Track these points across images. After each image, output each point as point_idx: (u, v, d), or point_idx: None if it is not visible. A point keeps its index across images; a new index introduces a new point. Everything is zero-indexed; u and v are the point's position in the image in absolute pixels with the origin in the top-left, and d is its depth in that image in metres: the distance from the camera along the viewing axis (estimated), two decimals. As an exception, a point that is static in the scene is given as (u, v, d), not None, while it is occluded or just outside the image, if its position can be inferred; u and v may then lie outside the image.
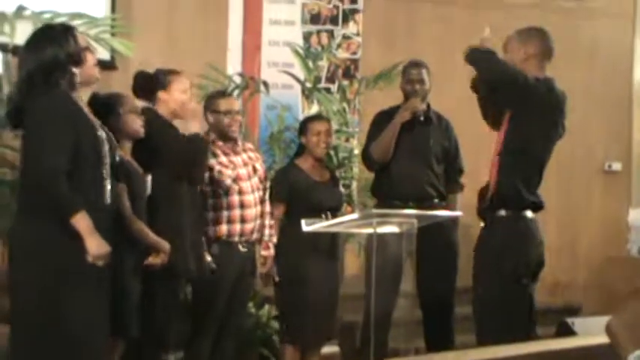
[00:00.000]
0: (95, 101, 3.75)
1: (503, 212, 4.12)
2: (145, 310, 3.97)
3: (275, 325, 5.27)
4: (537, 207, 4.17)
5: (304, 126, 4.95)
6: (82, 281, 3.37)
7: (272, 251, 4.75)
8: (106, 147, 3.49)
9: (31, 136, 3.38)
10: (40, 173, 3.32)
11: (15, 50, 4.71)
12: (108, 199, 3.48)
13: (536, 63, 4.18)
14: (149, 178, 4.12)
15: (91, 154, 3.42)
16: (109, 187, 3.49)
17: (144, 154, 4.11)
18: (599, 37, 7.78)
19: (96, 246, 3.33)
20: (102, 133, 3.50)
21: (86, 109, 3.52)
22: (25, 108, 3.39)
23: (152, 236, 4.00)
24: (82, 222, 3.31)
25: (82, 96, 3.58)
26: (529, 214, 4.15)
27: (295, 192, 4.79)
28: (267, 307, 5.43)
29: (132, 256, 3.91)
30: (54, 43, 3.42)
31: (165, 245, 4.04)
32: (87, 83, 3.57)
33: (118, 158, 3.65)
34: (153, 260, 4.02)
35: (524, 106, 4.07)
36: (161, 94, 4.33)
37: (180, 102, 4.33)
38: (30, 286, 3.35)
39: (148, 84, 4.35)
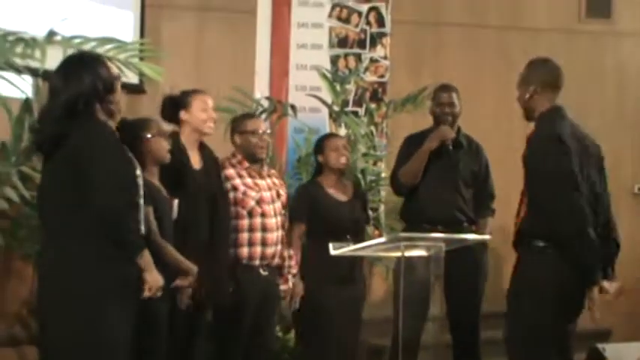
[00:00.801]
0: (122, 127, 3.77)
1: (540, 243, 3.98)
2: (171, 335, 3.98)
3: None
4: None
5: (320, 144, 4.96)
6: (111, 305, 3.38)
7: (291, 284, 4.75)
8: (139, 175, 3.52)
9: (92, 170, 3.33)
10: (109, 211, 3.32)
11: (46, 75, 4.78)
12: (142, 229, 3.54)
13: (542, 97, 4.04)
14: (176, 202, 4.14)
15: (134, 185, 3.46)
16: (142, 216, 3.54)
17: (170, 178, 4.13)
18: (627, 59, 7.74)
19: (154, 280, 3.43)
20: (138, 168, 3.54)
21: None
22: (65, 137, 3.37)
23: (180, 259, 4.01)
24: (145, 258, 3.42)
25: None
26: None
27: (316, 211, 4.78)
28: (293, 331, 5.42)
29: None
30: (90, 71, 3.43)
31: (193, 268, 4.06)
32: (118, 114, 3.60)
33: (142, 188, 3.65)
34: (181, 282, 4.03)
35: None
36: (183, 114, 4.37)
37: (200, 120, 4.35)
38: (59, 310, 3.37)
39: (174, 107, 4.39)
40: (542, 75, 4.10)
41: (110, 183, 3.31)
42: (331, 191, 4.88)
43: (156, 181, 4.06)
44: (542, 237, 3.91)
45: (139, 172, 3.56)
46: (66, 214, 3.38)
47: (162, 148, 4.07)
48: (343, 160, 4.89)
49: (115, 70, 3.59)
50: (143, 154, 3.95)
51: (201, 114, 4.38)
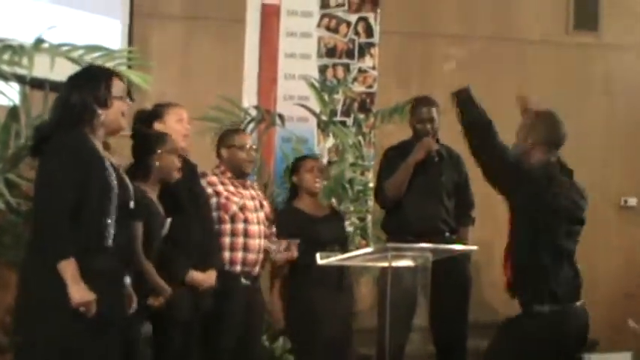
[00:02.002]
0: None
1: (541, 307, 3.87)
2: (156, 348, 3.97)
3: (290, 358, 5.24)
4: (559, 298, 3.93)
5: (296, 165, 5.00)
6: (94, 314, 3.37)
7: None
8: (115, 190, 3.49)
9: (41, 173, 3.44)
10: (40, 212, 3.38)
11: (33, 83, 4.78)
12: (109, 241, 3.48)
13: (541, 150, 3.97)
14: (168, 220, 4.12)
15: (98, 197, 3.44)
16: (112, 230, 3.48)
17: (167, 197, 4.12)
18: (615, 71, 7.78)
19: (78, 295, 3.33)
20: (112, 176, 3.51)
21: (102, 151, 3.53)
22: (45, 140, 3.46)
23: (156, 279, 4.00)
24: (67, 269, 3.33)
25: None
26: (567, 305, 3.95)
27: (297, 233, 4.79)
28: (281, 340, 5.41)
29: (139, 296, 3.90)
30: (86, 84, 3.52)
31: (167, 290, 4.04)
32: (110, 130, 3.58)
33: (132, 202, 3.63)
34: (152, 302, 4.01)
35: (522, 195, 3.87)
36: (157, 125, 4.36)
37: (175, 131, 4.34)
38: (39, 319, 3.36)
39: (145, 120, 4.38)
40: (549, 130, 4.00)
41: (47, 187, 3.36)
42: (308, 211, 4.90)
43: (154, 197, 4.05)
44: None
45: (114, 181, 3.51)
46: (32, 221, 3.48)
47: (172, 164, 4.06)
48: (316, 182, 4.91)
49: (120, 88, 3.59)
50: (148, 169, 3.93)
51: (176, 124, 4.37)
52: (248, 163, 4.67)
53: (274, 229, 4.80)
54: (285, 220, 4.91)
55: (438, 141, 5.11)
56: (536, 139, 3.99)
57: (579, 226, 4.00)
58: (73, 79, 3.59)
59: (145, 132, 3.91)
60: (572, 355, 4.01)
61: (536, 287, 3.86)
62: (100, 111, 3.49)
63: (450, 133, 5.20)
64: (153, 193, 4.02)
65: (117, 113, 3.56)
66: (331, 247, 4.76)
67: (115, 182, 3.50)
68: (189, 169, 4.46)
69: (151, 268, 3.96)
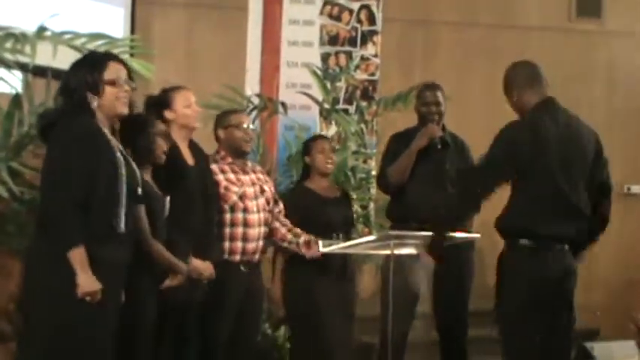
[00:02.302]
0: (122, 121, 3.77)
1: (524, 241, 4.00)
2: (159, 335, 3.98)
3: (291, 346, 5.26)
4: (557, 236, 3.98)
5: (308, 146, 5.00)
6: (96, 303, 3.39)
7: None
8: (124, 173, 3.50)
9: (48, 160, 3.46)
10: (48, 199, 3.40)
11: (35, 71, 4.79)
12: (122, 227, 3.50)
13: (526, 95, 4.04)
14: (167, 199, 4.14)
15: (107, 184, 3.45)
16: (123, 215, 3.50)
17: (165, 176, 4.12)
18: (618, 58, 7.77)
19: (86, 284, 3.35)
20: (121, 161, 3.52)
21: (109, 135, 3.55)
22: (51, 125, 3.49)
23: (170, 258, 4.01)
24: (76, 257, 3.35)
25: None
26: (555, 245, 3.98)
27: (306, 213, 4.79)
28: (283, 328, 5.42)
29: (149, 278, 3.91)
30: (81, 69, 3.55)
31: (183, 267, 4.05)
32: (109, 115, 3.59)
33: (140, 185, 3.65)
34: (170, 283, 4.02)
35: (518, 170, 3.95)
36: (167, 114, 4.35)
37: (186, 116, 4.35)
38: (43, 305, 3.38)
39: (157, 106, 4.38)
40: (518, 73, 4.12)
41: (55, 177, 3.38)
42: (319, 191, 4.90)
43: (149, 179, 4.06)
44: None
45: (122, 165, 3.54)
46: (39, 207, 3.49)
47: (160, 147, 4.06)
48: (329, 163, 4.91)
49: (116, 73, 3.59)
50: (143, 150, 3.94)
51: (186, 110, 4.37)
52: (246, 141, 4.65)
53: (281, 207, 4.79)
54: (296, 199, 4.90)
55: (443, 127, 5.10)
56: (516, 91, 4.06)
57: (579, 167, 4.00)
58: (73, 65, 3.63)
59: (131, 115, 3.91)
60: (567, 298, 4.01)
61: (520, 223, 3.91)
62: (91, 96, 3.51)
63: (455, 121, 5.22)
64: (146, 175, 4.02)
65: (110, 98, 3.56)
66: (339, 230, 4.76)
67: (123, 169, 3.51)
68: (203, 158, 4.46)
69: (162, 247, 3.97)
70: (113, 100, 3.56)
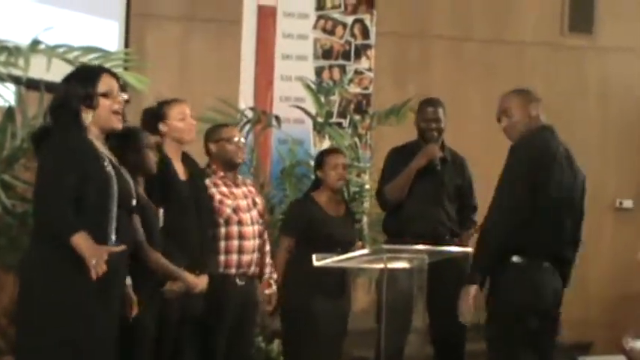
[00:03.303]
0: (113, 135, 3.77)
1: (514, 259, 4.00)
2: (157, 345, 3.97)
3: (285, 359, 5.24)
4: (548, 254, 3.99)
5: (321, 159, 4.97)
6: (92, 310, 3.38)
7: (274, 288, 4.75)
8: (115, 185, 3.50)
9: (41, 173, 3.45)
10: (41, 204, 3.40)
11: (29, 84, 4.78)
12: (113, 238, 3.49)
13: (524, 114, 4.05)
14: (161, 211, 4.13)
15: (97, 194, 3.45)
16: (113, 226, 3.49)
17: (156, 189, 4.12)
18: (609, 73, 7.81)
19: (92, 256, 3.33)
20: (111, 171, 3.52)
21: (101, 149, 3.55)
22: (43, 138, 3.49)
23: (169, 266, 4.00)
24: (80, 240, 3.33)
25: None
26: (541, 262, 3.97)
27: (311, 226, 4.79)
28: (276, 341, 5.41)
29: (146, 290, 3.90)
30: (74, 83, 3.53)
31: (182, 274, 4.05)
32: (103, 128, 3.59)
33: (134, 200, 3.64)
34: (170, 286, 4.01)
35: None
36: (161, 127, 4.35)
37: (179, 129, 4.36)
38: (39, 316, 3.36)
39: (154, 118, 4.39)
40: (521, 99, 4.08)
41: (45, 185, 3.39)
42: (325, 207, 4.89)
43: (141, 190, 4.06)
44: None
45: (114, 183, 3.53)
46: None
47: (150, 159, 4.07)
48: (340, 180, 4.91)
49: (109, 86, 3.59)
50: (134, 164, 3.94)
51: (179, 123, 4.37)
52: (237, 153, 4.66)
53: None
54: (301, 209, 4.90)
55: (443, 143, 5.10)
56: (517, 110, 4.05)
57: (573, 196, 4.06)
58: (65, 79, 3.61)
59: (121, 129, 3.92)
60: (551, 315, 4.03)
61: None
62: (86, 111, 3.50)
63: (449, 135, 5.22)
64: (139, 187, 4.02)
65: (106, 111, 3.55)
66: (339, 247, 4.75)
67: (114, 181, 3.51)
68: (197, 172, 4.46)
69: (160, 256, 3.96)
70: (108, 113, 3.56)
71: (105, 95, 3.55)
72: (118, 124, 3.60)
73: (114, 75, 3.69)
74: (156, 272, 3.94)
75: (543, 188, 3.92)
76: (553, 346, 4.09)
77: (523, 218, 3.90)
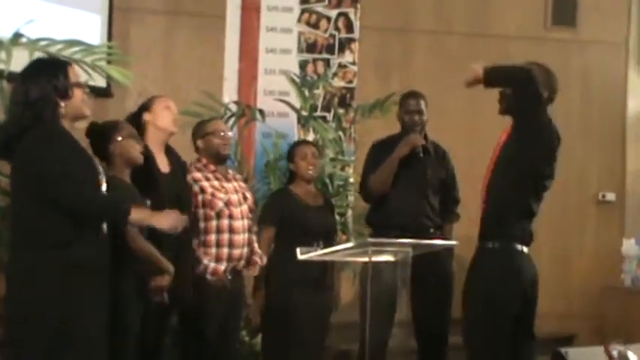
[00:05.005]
0: (92, 130, 3.77)
1: (490, 244, 4.07)
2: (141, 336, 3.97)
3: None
4: (525, 240, 4.10)
5: (290, 152, 5.00)
6: (81, 308, 3.39)
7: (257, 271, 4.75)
8: (103, 177, 3.52)
9: (39, 169, 3.41)
10: (77, 200, 3.39)
11: (10, 78, 4.75)
12: (105, 230, 3.51)
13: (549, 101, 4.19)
14: (148, 202, 4.13)
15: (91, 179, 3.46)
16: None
17: (138, 181, 4.12)
18: (592, 67, 7.83)
19: (165, 222, 3.45)
20: (97, 165, 3.53)
21: (82, 142, 3.55)
22: (15, 139, 3.44)
23: (160, 258, 4.00)
24: (138, 213, 3.44)
25: (78, 128, 3.64)
26: (520, 247, 4.09)
27: (286, 216, 4.81)
28: (260, 335, 5.40)
29: (132, 281, 3.90)
30: (46, 76, 3.50)
31: (170, 266, 4.05)
32: (75, 117, 3.59)
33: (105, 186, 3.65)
34: (159, 282, 4.01)
35: (529, 119, 4.04)
36: (145, 116, 4.39)
37: (163, 117, 4.38)
38: (28, 314, 3.37)
39: (137, 112, 4.41)
40: (550, 82, 4.25)
41: (65, 178, 3.37)
42: (302, 197, 4.90)
43: (128, 181, 4.06)
44: None
45: (101, 175, 3.55)
46: (21, 216, 3.45)
47: (134, 149, 4.06)
48: (311, 171, 4.92)
49: (76, 76, 3.59)
50: (114, 156, 3.94)
51: (164, 112, 4.40)
52: (224, 145, 4.67)
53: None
54: (277, 201, 4.91)
55: (425, 136, 5.12)
56: (549, 89, 4.20)
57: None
58: (27, 73, 3.56)
59: (100, 123, 3.91)
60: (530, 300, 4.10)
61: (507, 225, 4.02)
62: (62, 102, 3.49)
63: (432, 128, 5.24)
64: (126, 178, 4.02)
65: (79, 101, 3.56)
66: (319, 238, 4.76)
67: (101, 171, 3.52)
68: (180, 166, 4.47)
69: (149, 244, 3.96)
70: (80, 102, 3.56)
71: (78, 85, 3.56)
72: (88, 111, 3.61)
73: (74, 65, 3.71)
74: (144, 261, 3.92)
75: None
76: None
77: None
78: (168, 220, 3.44)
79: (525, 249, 4.10)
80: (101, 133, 3.92)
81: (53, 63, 3.73)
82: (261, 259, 4.75)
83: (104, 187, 3.56)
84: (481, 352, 4.03)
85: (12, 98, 3.55)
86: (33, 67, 3.61)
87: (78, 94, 3.56)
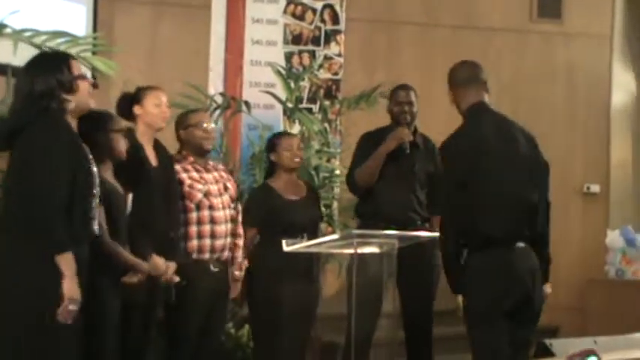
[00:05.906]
0: (84, 118, 3.74)
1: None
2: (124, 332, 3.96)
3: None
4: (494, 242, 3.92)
5: (273, 143, 4.94)
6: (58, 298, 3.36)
7: (242, 273, 4.75)
8: (97, 179, 3.51)
9: (31, 166, 3.38)
10: (37, 207, 3.33)
11: (14, 72, 4.73)
12: (94, 231, 3.52)
13: (462, 94, 3.98)
14: (130, 197, 4.11)
15: (83, 187, 3.44)
16: (96, 219, 3.53)
17: (124, 174, 4.10)
18: (577, 60, 7.86)
19: (72, 291, 3.34)
20: (93, 164, 3.52)
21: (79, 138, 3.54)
22: (18, 132, 3.41)
23: (128, 258, 3.98)
24: (67, 262, 3.33)
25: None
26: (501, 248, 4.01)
27: (271, 214, 4.78)
28: (247, 327, 5.41)
29: (109, 277, 3.88)
30: (47, 71, 3.47)
31: (143, 266, 4.03)
32: (81, 111, 3.58)
33: (97, 185, 3.64)
34: (128, 279, 4.00)
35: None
36: (136, 109, 4.37)
37: (153, 114, 4.36)
38: (15, 307, 3.35)
39: (129, 103, 4.39)
40: (455, 74, 4.05)
41: (41, 180, 3.33)
42: (283, 192, 4.87)
43: (110, 177, 4.03)
44: None
45: (94, 168, 3.54)
46: (12, 209, 3.41)
47: (121, 144, 4.05)
48: (297, 159, 4.89)
49: (79, 69, 3.57)
50: (102, 147, 3.92)
51: (154, 109, 4.38)
52: (206, 139, 4.66)
53: (239, 208, 4.79)
54: (259, 198, 4.88)
55: (415, 129, 5.12)
56: (452, 91, 4.03)
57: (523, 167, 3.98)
58: (32, 67, 3.53)
59: (92, 112, 3.88)
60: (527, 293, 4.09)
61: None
62: (67, 97, 3.47)
63: (419, 120, 5.24)
64: (107, 172, 4.00)
65: (85, 94, 3.54)
66: (303, 230, 4.74)
67: (95, 171, 3.51)
68: (167, 159, 4.45)
69: (120, 249, 3.94)
70: (86, 95, 3.55)
71: (83, 77, 3.54)
72: (92, 103, 3.60)
73: (76, 58, 3.68)
74: (116, 264, 3.93)
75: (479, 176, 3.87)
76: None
77: None
78: (71, 294, 3.37)
79: (521, 244, 4.04)
80: (96, 121, 3.89)
81: (56, 57, 3.71)
82: (244, 264, 4.75)
83: (97, 190, 3.54)
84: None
85: (16, 92, 3.53)
86: (37, 61, 3.58)
87: (83, 86, 3.54)
